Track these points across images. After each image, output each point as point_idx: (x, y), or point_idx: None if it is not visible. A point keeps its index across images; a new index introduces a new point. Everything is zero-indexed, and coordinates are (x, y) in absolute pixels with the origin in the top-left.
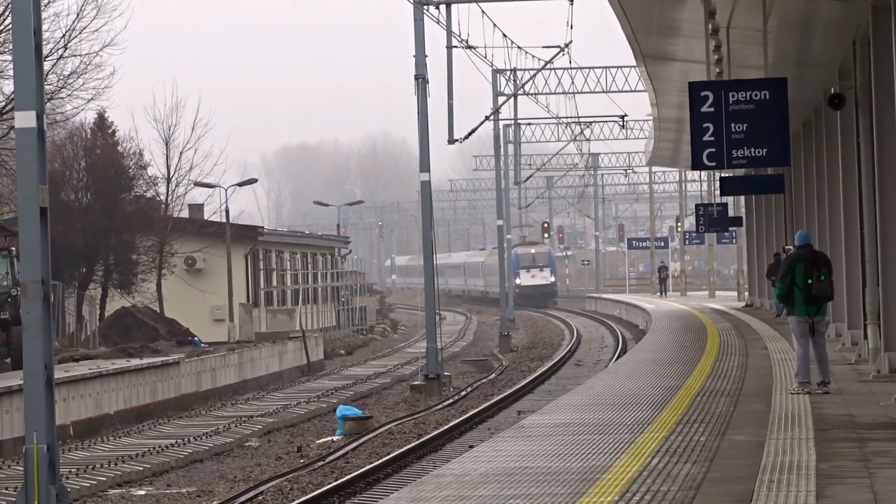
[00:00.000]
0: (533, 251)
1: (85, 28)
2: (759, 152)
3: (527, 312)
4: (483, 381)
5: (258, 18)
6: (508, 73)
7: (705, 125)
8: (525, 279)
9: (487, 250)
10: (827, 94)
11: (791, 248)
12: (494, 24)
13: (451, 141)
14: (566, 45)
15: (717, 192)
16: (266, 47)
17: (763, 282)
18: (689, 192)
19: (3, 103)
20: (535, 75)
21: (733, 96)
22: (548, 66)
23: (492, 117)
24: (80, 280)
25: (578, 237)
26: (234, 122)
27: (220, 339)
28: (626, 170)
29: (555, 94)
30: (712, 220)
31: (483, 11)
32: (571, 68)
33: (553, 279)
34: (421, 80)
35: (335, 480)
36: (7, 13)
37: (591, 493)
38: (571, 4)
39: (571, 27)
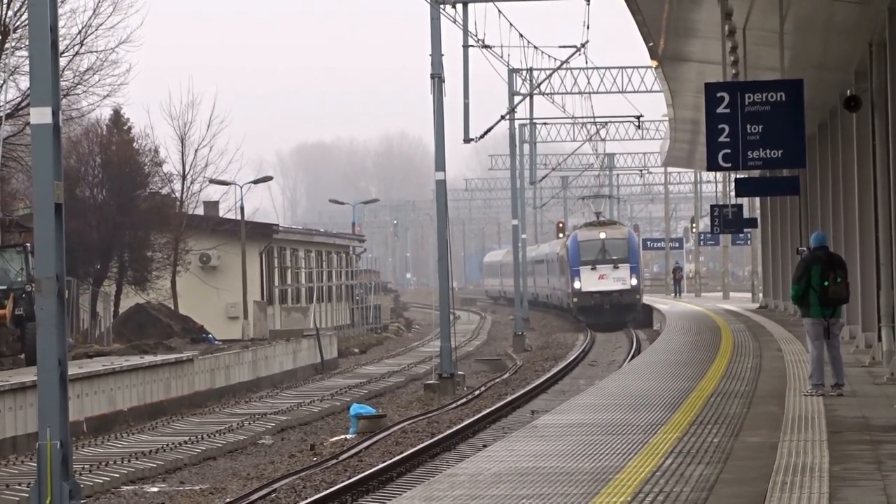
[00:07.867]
0: (603, 236)
1: (101, 25)
2: (774, 154)
3: (540, 312)
4: (497, 380)
5: (274, 17)
6: (524, 72)
7: (721, 126)
8: (588, 282)
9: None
10: (843, 96)
11: (804, 249)
12: (511, 24)
13: (467, 140)
14: (582, 45)
15: (733, 193)
16: (282, 46)
17: (778, 283)
18: (704, 192)
19: (19, 99)
20: (551, 75)
21: (749, 97)
22: (564, 65)
23: (507, 117)
24: (94, 276)
25: None
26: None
27: (235, 337)
28: (641, 170)
29: (570, 93)
30: (727, 221)
31: (500, 11)
32: (587, 68)
33: (635, 281)
34: (437, 78)
35: (348, 479)
36: (24, 9)
37: (604, 493)
38: (588, 4)
39: (588, 27)
